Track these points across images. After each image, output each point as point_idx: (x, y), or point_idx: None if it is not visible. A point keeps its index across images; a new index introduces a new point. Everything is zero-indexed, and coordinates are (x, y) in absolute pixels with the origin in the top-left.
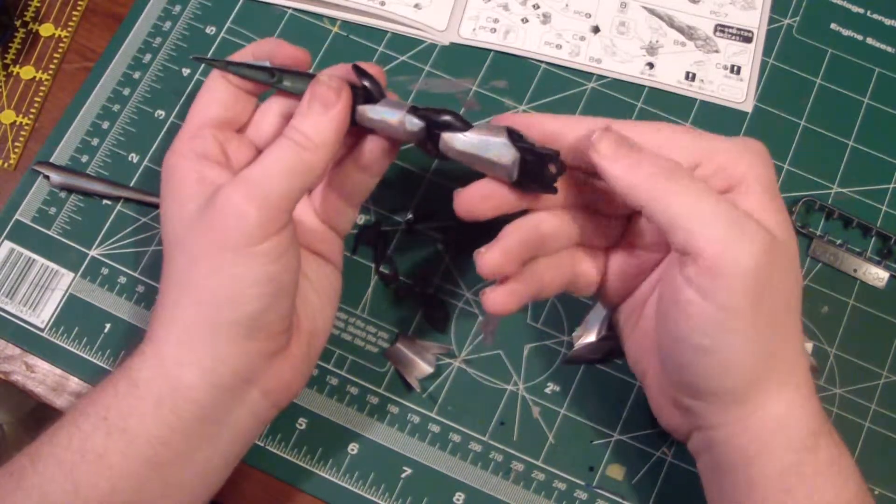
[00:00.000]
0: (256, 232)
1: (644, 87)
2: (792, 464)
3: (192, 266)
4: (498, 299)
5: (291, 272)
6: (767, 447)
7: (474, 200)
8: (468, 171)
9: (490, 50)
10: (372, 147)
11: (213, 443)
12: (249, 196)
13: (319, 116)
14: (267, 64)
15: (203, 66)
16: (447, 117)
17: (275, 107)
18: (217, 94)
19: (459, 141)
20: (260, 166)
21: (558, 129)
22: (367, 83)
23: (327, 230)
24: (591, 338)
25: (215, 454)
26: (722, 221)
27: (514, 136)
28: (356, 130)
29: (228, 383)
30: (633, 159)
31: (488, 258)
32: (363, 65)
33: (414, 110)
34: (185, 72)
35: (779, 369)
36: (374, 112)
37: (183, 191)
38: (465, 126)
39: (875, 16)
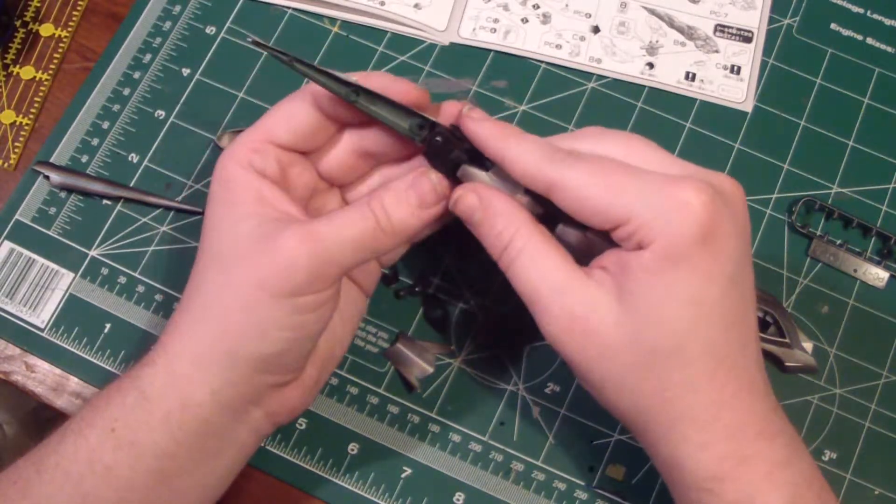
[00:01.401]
0: (304, 287)
1: (644, 87)
2: (695, 501)
3: (225, 291)
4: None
5: (323, 322)
6: (670, 482)
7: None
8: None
9: (490, 50)
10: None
11: (216, 457)
12: (312, 254)
13: (412, 209)
14: (354, 79)
15: (203, 65)
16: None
17: (349, 139)
18: (297, 120)
19: (578, 236)
20: (334, 227)
21: (502, 160)
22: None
23: (374, 262)
24: None
25: (217, 467)
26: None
27: None
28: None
29: (236, 405)
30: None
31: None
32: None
33: (526, 194)
34: (185, 72)
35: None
36: (488, 182)
37: (239, 207)
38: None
39: (875, 16)
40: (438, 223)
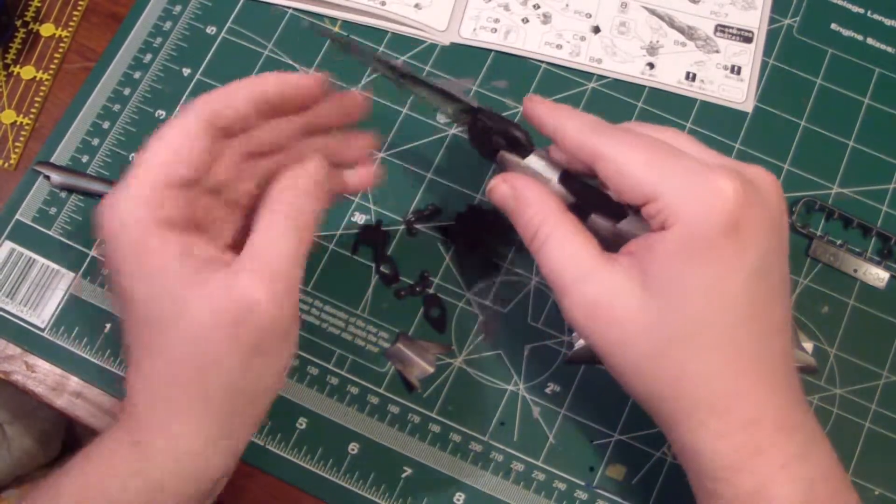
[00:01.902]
0: (292, 327)
1: (644, 87)
2: (710, 490)
3: (212, 368)
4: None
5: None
6: (688, 469)
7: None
8: (465, 171)
9: (490, 50)
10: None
11: None
12: (275, 295)
13: (315, 197)
14: (399, 61)
15: (204, 65)
16: (603, 198)
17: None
18: (191, 146)
19: (609, 227)
20: (276, 257)
21: (554, 130)
22: (517, 133)
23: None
24: None
25: None
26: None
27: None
28: None
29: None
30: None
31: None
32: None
33: (565, 178)
34: (186, 72)
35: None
36: (524, 168)
37: (162, 278)
38: (621, 211)
39: (875, 16)
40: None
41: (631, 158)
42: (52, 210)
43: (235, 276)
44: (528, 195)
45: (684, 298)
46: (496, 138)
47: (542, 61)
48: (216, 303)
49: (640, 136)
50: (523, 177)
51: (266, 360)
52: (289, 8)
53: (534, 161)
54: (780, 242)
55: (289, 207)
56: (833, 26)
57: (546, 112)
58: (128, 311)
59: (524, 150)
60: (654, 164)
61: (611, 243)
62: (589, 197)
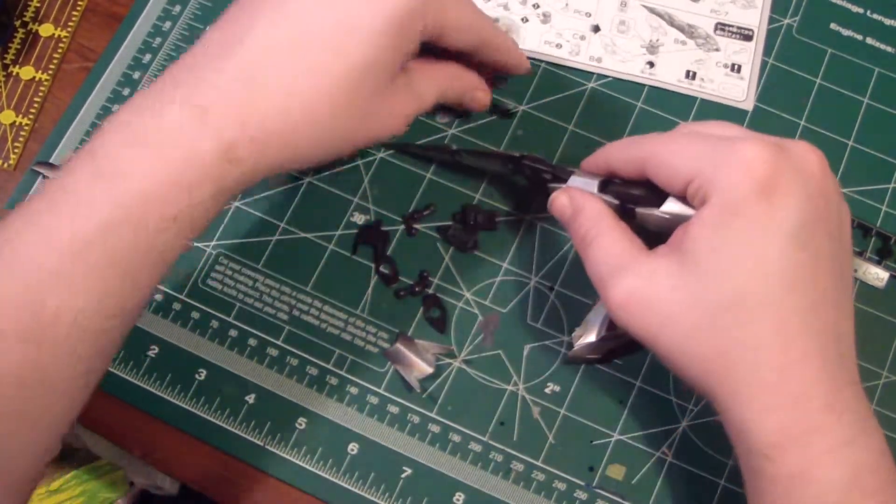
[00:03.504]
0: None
1: (644, 86)
2: (756, 468)
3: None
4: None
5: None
6: (737, 446)
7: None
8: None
9: None
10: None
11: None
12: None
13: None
14: (452, 145)
15: None
16: (639, 191)
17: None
18: None
19: (655, 217)
20: None
21: (606, 161)
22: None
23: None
24: (591, 338)
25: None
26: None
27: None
28: None
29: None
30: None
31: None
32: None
33: (604, 185)
34: None
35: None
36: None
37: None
38: (660, 198)
39: (875, 16)
40: None
41: (669, 150)
42: None
43: None
44: (581, 203)
45: (722, 267)
46: (544, 174)
47: (541, 60)
48: None
49: (673, 132)
50: (580, 189)
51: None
52: None
53: (575, 180)
54: (824, 214)
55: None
56: (833, 26)
57: (594, 157)
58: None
59: (565, 180)
60: (689, 149)
61: (664, 236)
62: (627, 194)
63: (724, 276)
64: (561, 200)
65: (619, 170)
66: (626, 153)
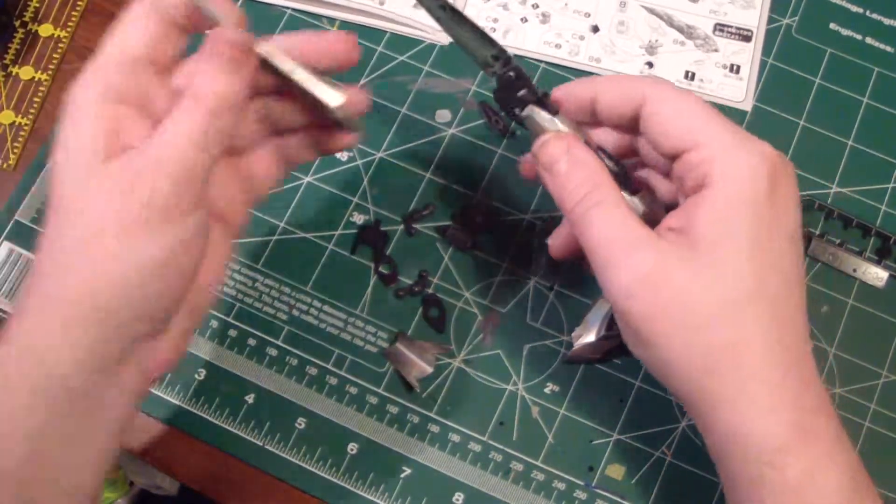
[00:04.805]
0: (172, 210)
1: None
2: (755, 476)
3: (95, 240)
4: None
5: (196, 259)
6: (726, 457)
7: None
8: (464, 171)
9: None
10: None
11: (92, 429)
12: (156, 172)
13: (228, 76)
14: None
15: None
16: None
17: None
18: (143, 26)
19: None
20: (165, 137)
21: (590, 96)
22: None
23: (239, 193)
24: (591, 337)
25: (95, 439)
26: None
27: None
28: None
29: (106, 367)
30: None
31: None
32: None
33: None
34: None
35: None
36: (552, 125)
37: (90, 141)
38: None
39: (874, 15)
40: (255, 78)
41: (680, 103)
42: None
43: (124, 157)
44: (583, 156)
45: (736, 259)
46: (526, 91)
47: (541, 61)
48: (105, 181)
49: (684, 89)
50: (578, 138)
51: (154, 243)
52: (288, 8)
53: (563, 119)
54: (801, 219)
55: (194, 90)
56: (832, 26)
57: (576, 84)
58: (54, 187)
59: (551, 110)
60: (700, 113)
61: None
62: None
63: (740, 270)
64: (555, 147)
65: (608, 107)
66: (621, 88)
